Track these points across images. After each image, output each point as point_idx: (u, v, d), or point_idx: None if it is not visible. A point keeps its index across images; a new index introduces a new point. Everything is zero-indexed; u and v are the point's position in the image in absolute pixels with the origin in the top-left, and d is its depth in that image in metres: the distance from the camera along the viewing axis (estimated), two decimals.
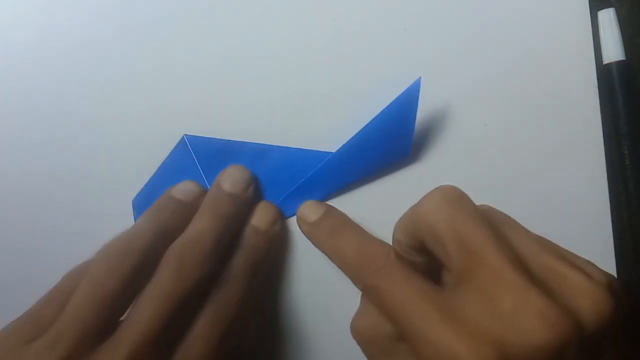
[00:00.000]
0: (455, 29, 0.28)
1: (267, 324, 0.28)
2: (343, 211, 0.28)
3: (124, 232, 0.24)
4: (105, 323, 0.21)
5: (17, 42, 0.28)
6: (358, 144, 0.26)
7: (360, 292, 0.24)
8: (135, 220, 0.27)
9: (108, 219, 0.27)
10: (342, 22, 0.28)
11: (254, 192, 0.27)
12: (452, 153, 0.27)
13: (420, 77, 0.26)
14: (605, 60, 0.28)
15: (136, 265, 0.22)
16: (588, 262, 0.21)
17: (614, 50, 0.28)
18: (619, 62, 0.28)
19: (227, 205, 0.25)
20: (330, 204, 0.27)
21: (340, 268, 0.25)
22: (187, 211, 0.25)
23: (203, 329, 0.23)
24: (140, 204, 0.27)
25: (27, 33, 0.28)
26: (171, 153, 0.27)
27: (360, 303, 0.24)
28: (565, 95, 0.28)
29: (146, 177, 0.27)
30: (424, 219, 0.20)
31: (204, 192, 0.26)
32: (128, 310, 0.22)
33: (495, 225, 0.20)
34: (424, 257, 0.22)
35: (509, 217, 0.22)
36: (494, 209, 0.22)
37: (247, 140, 0.27)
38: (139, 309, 0.22)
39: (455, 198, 0.20)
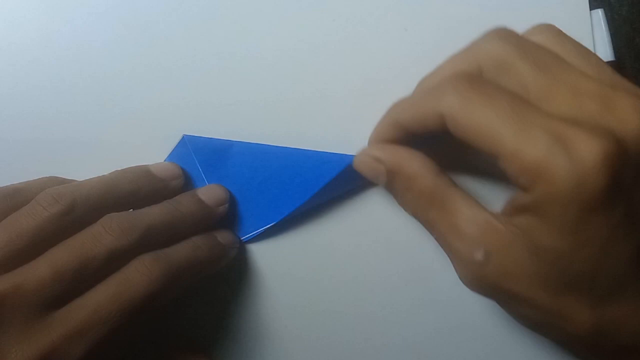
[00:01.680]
0: (455, 28, 0.28)
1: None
2: (341, 212, 0.28)
3: (79, 181, 0.24)
4: (15, 256, 0.21)
5: (16, 42, 0.28)
6: None
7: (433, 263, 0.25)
8: None
9: None
10: (342, 22, 0.28)
11: (225, 211, 0.27)
12: (452, 153, 0.27)
13: None
14: None
15: (59, 215, 0.22)
16: None
17: (601, 51, 0.28)
18: (608, 63, 0.28)
19: (194, 211, 0.25)
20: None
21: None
22: (151, 185, 0.25)
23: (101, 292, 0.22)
24: None
25: (26, 33, 0.28)
26: (171, 153, 0.27)
27: (391, 190, 0.24)
28: None
29: None
30: (490, 52, 0.21)
31: (181, 174, 0.26)
32: None
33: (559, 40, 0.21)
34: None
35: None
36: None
37: (247, 141, 0.27)
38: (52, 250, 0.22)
39: (503, 31, 0.21)
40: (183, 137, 0.27)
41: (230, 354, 0.28)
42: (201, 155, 0.27)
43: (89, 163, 0.28)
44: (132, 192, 0.24)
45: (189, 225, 0.25)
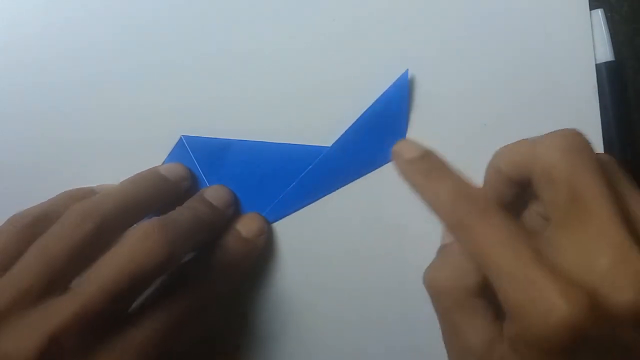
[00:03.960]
0: (455, 28, 0.28)
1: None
2: (339, 207, 0.28)
3: (99, 194, 0.23)
4: (50, 282, 0.21)
5: (16, 42, 0.28)
6: (352, 137, 0.27)
7: (436, 250, 0.24)
8: None
9: None
10: (341, 20, 0.28)
11: (234, 212, 0.27)
12: (452, 154, 0.27)
13: (407, 70, 0.26)
14: (596, 61, 0.28)
15: (90, 234, 0.22)
16: None
17: (601, 51, 0.28)
18: (607, 63, 0.28)
19: (208, 214, 0.25)
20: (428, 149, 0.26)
21: (432, 207, 0.23)
22: (167, 189, 0.25)
23: (154, 316, 0.22)
24: None
25: (25, 33, 0.28)
26: (170, 154, 0.27)
27: (437, 256, 0.24)
28: (565, 95, 0.28)
29: None
30: (541, 159, 0.21)
31: (189, 175, 0.27)
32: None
33: (612, 180, 0.20)
34: (515, 190, 0.22)
35: (627, 175, 0.22)
36: (614, 162, 0.22)
37: (245, 138, 0.27)
38: (89, 276, 0.21)
39: (577, 145, 0.20)
40: (181, 137, 0.27)
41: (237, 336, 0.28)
42: (200, 155, 0.27)
43: (89, 163, 0.28)
44: (151, 199, 0.24)
45: (207, 231, 0.25)
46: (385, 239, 0.28)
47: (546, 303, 0.18)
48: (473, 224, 0.21)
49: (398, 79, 0.26)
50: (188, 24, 0.28)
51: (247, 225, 0.26)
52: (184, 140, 0.27)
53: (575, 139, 0.21)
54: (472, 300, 0.22)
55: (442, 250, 0.24)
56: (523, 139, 0.22)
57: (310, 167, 0.27)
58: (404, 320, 0.28)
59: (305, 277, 0.28)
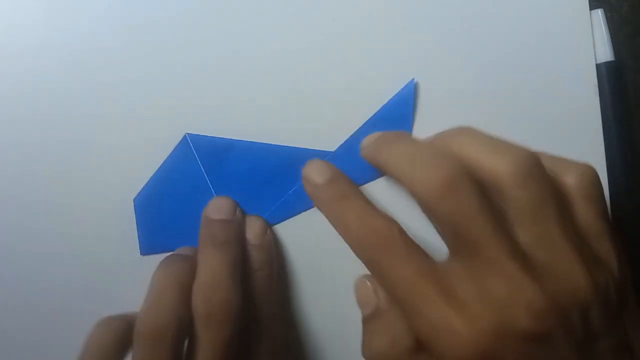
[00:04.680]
0: (455, 28, 0.28)
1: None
2: None
3: (146, 305, 0.24)
4: None
5: (17, 44, 0.28)
6: (356, 143, 0.27)
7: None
8: (136, 220, 0.27)
9: (109, 218, 0.27)
10: (342, 21, 0.28)
11: (242, 214, 0.27)
12: None
13: (413, 80, 0.26)
14: (596, 61, 0.28)
15: (174, 344, 0.22)
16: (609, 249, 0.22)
17: (601, 51, 0.28)
18: (607, 63, 0.28)
19: (222, 231, 0.25)
20: (337, 168, 0.26)
21: (341, 235, 0.24)
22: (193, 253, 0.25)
23: None
24: (142, 203, 0.27)
25: (27, 35, 0.28)
26: (173, 152, 0.27)
27: (365, 329, 0.23)
28: (565, 94, 0.28)
29: (148, 176, 0.27)
30: (420, 194, 0.20)
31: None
32: None
33: (497, 209, 0.20)
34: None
35: (520, 192, 0.21)
36: (505, 178, 0.21)
37: (249, 139, 0.27)
38: None
39: (455, 180, 0.20)
40: (185, 135, 0.27)
41: None
42: (203, 153, 0.27)
43: (90, 162, 0.27)
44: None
45: (235, 246, 0.25)
46: None
47: (452, 333, 0.19)
48: (379, 259, 0.21)
49: (404, 88, 0.27)
50: (194, 23, 0.28)
51: (251, 231, 0.26)
52: (188, 138, 0.27)
53: (452, 173, 0.20)
54: (417, 357, 0.21)
55: (368, 320, 0.23)
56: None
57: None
58: None
59: (305, 280, 0.28)
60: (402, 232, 0.22)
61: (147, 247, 0.27)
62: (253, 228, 0.26)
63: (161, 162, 0.27)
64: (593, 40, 0.28)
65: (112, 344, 0.23)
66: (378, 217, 0.23)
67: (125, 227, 0.27)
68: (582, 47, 0.28)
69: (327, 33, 0.28)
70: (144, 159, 0.27)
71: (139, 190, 0.27)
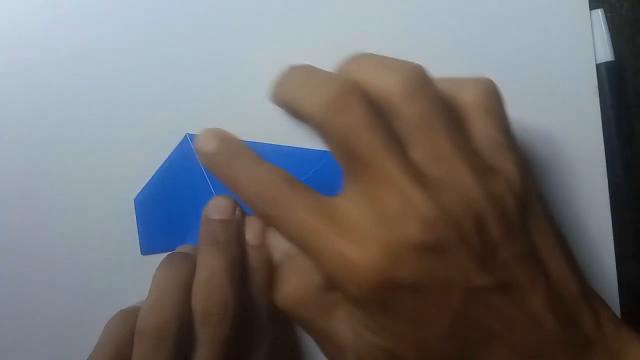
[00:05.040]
0: (455, 28, 0.28)
1: None
2: None
3: (147, 304, 0.23)
4: None
5: (17, 42, 0.28)
6: None
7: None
8: (137, 220, 0.27)
9: (109, 218, 0.27)
10: (343, 20, 0.28)
11: (242, 214, 0.26)
12: None
13: None
14: (596, 61, 0.28)
15: (174, 344, 0.23)
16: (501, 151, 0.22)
17: (601, 51, 0.28)
18: (607, 63, 0.28)
19: (222, 230, 0.25)
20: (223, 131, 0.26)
21: (240, 198, 0.24)
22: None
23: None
24: (142, 202, 0.27)
25: (27, 33, 0.28)
26: (173, 152, 0.27)
27: (275, 276, 0.24)
28: (565, 94, 0.28)
29: (148, 176, 0.27)
30: (309, 114, 0.21)
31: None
32: None
33: (390, 127, 0.20)
34: None
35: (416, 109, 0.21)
36: (399, 95, 0.21)
37: (249, 139, 0.27)
38: None
39: (344, 100, 0.20)
40: (185, 135, 0.27)
41: None
42: None
43: (91, 162, 0.27)
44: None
45: (235, 246, 0.25)
46: None
47: (347, 264, 0.19)
48: (274, 214, 0.22)
49: None
50: (195, 22, 0.28)
51: (251, 230, 0.26)
52: (188, 138, 0.27)
53: (340, 86, 0.20)
54: (329, 296, 0.21)
55: (277, 267, 0.24)
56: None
57: (313, 170, 0.27)
58: None
59: None
60: (286, 178, 0.22)
61: (148, 246, 0.27)
62: (252, 228, 0.26)
63: (161, 162, 0.27)
64: (593, 40, 0.28)
65: (127, 338, 0.23)
66: (262, 169, 0.23)
67: (126, 227, 0.27)
68: (582, 47, 0.28)
69: (328, 33, 0.28)
70: (144, 159, 0.27)
71: (139, 190, 0.27)
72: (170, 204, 0.27)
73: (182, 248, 0.27)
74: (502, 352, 0.20)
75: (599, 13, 0.28)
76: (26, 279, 0.27)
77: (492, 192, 0.20)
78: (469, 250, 0.19)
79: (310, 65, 0.23)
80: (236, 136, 0.26)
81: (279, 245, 0.23)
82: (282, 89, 0.24)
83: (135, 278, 0.26)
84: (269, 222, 0.23)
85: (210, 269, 0.24)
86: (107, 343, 0.24)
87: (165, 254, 0.26)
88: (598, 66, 0.28)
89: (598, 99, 0.28)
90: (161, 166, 0.27)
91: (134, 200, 0.27)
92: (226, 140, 0.25)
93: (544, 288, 0.20)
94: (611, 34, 0.28)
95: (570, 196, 0.28)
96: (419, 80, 0.20)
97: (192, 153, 0.27)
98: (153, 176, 0.27)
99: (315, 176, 0.27)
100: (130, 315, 0.24)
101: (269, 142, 0.27)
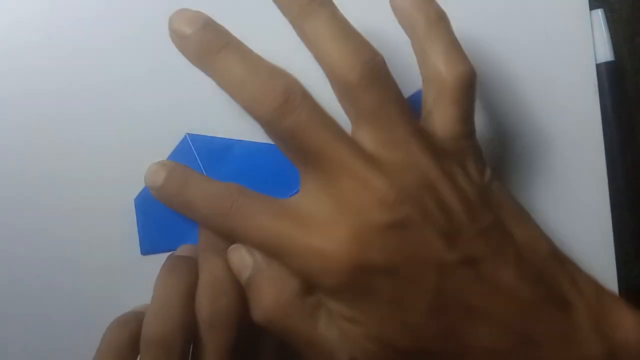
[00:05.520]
0: (455, 29, 0.28)
1: None
2: None
3: (151, 313, 0.23)
4: None
5: (17, 44, 0.28)
6: None
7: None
8: (137, 220, 0.27)
9: (110, 218, 0.27)
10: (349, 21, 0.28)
11: None
12: None
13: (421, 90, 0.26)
14: (596, 61, 0.28)
15: (180, 353, 0.22)
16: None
17: (602, 51, 0.28)
18: (607, 63, 0.28)
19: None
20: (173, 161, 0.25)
21: (199, 222, 0.24)
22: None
23: None
24: (143, 203, 0.27)
25: (27, 34, 0.28)
26: (173, 152, 0.27)
27: (249, 290, 0.23)
28: (565, 94, 0.28)
29: None
30: (258, 117, 0.21)
31: None
32: None
33: (346, 107, 0.21)
34: None
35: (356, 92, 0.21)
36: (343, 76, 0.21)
37: (249, 139, 0.27)
38: None
39: (290, 95, 0.20)
40: (185, 135, 0.27)
41: None
42: (203, 153, 0.27)
43: (91, 162, 0.27)
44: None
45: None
46: None
47: (318, 257, 0.20)
48: (232, 226, 0.22)
49: (413, 95, 0.26)
50: None
51: None
52: (188, 138, 0.27)
53: (284, 88, 0.20)
54: (307, 299, 0.21)
55: (250, 281, 0.22)
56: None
57: None
58: None
59: None
60: (239, 190, 0.22)
61: (148, 247, 0.27)
62: None
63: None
64: (593, 40, 0.28)
65: (128, 344, 0.23)
66: (213, 186, 0.23)
67: (126, 227, 0.27)
68: (582, 47, 0.28)
69: None
70: (144, 159, 0.27)
71: (139, 190, 0.27)
72: None
73: (182, 248, 0.27)
74: (485, 327, 0.20)
75: (599, 13, 0.28)
76: (26, 279, 0.27)
77: (448, 171, 0.21)
78: (433, 227, 0.20)
79: (235, 42, 0.22)
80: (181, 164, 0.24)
81: (244, 262, 0.22)
82: (219, 75, 0.22)
83: (135, 278, 0.26)
84: (230, 236, 0.22)
85: (213, 274, 0.24)
86: (107, 350, 0.23)
87: (165, 255, 0.26)
88: (598, 66, 0.28)
89: (598, 99, 0.28)
90: None
91: (134, 200, 0.27)
92: (172, 168, 0.24)
93: (513, 257, 0.21)
94: (611, 34, 0.28)
95: (570, 196, 0.28)
96: (375, 66, 0.21)
97: (191, 153, 0.27)
98: None
99: None
100: (131, 321, 0.24)
101: (269, 142, 0.27)
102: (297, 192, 0.22)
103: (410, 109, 0.21)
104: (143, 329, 0.23)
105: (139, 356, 0.23)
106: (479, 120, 0.28)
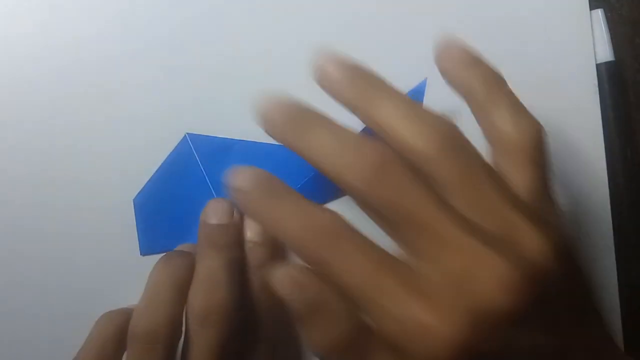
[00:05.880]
0: (455, 28, 0.28)
1: None
2: (342, 214, 0.28)
3: (140, 306, 0.23)
4: None
5: (16, 43, 0.28)
6: None
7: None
8: (136, 220, 0.27)
9: (109, 218, 0.27)
10: (345, 20, 0.28)
11: (240, 217, 0.26)
12: None
13: (426, 79, 0.26)
14: (596, 61, 0.28)
15: (167, 347, 0.22)
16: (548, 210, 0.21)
17: (602, 51, 0.28)
18: (607, 63, 0.28)
19: (220, 235, 0.25)
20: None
21: (281, 240, 0.21)
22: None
23: None
24: (142, 202, 0.27)
25: (27, 33, 0.28)
26: (173, 151, 0.27)
27: (309, 321, 0.20)
28: (565, 94, 0.28)
29: (148, 176, 0.27)
30: (351, 186, 0.19)
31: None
32: None
33: (432, 182, 0.19)
34: None
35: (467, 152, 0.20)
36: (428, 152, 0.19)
37: (249, 139, 0.27)
38: None
39: (385, 165, 0.19)
40: (185, 135, 0.27)
41: None
42: (203, 153, 0.27)
43: (90, 162, 0.27)
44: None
45: (234, 249, 0.25)
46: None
47: (425, 331, 0.18)
48: (328, 259, 0.19)
49: (415, 87, 0.26)
50: (195, 22, 0.28)
51: (252, 229, 0.26)
52: (188, 138, 0.27)
53: (379, 157, 0.19)
54: (363, 341, 0.19)
55: (311, 313, 0.20)
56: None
57: (314, 173, 0.27)
58: None
59: None
60: (347, 225, 0.20)
61: (147, 247, 0.27)
62: (252, 226, 0.26)
63: (161, 161, 0.27)
64: (593, 40, 0.28)
65: (112, 337, 0.23)
66: (317, 211, 0.20)
67: (125, 227, 0.27)
68: (582, 47, 0.28)
69: (332, 32, 0.28)
70: (144, 159, 0.27)
71: (139, 190, 0.27)
72: (169, 204, 0.27)
73: (181, 247, 0.27)
74: None
75: (599, 13, 0.28)
76: (26, 279, 0.27)
77: (554, 242, 0.19)
78: (540, 314, 0.18)
79: (317, 114, 0.22)
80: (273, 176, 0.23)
81: (309, 290, 0.20)
82: (301, 144, 0.21)
83: (134, 278, 0.26)
84: (319, 268, 0.20)
85: (209, 270, 0.24)
86: (92, 342, 0.24)
87: None
88: (598, 66, 0.28)
89: (598, 98, 0.28)
90: (160, 166, 0.27)
91: (134, 200, 0.27)
92: (265, 178, 0.22)
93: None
94: (611, 34, 0.28)
95: (570, 196, 0.28)
96: (452, 137, 0.20)
97: (191, 153, 0.27)
98: (152, 176, 0.27)
99: (316, 178, 0.27)
100: (118, 315, 0.24)
101: (269, 142, 0.27)
102: None
103: (497, 173, 0.20)
104: (131, 321, 0.23)
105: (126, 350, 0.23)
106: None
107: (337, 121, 0.21)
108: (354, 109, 0.21)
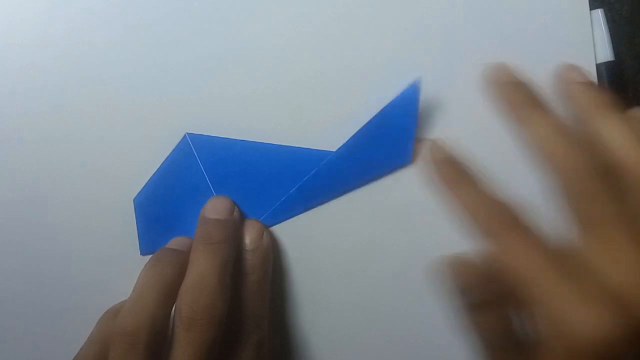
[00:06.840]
0: (455, 28, 0.28)
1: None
2: (343, 213, 0.28)
3: (125, 306, 0.23)
4: None
5: (17, 42, 0.28)
6: (357, 143, 0.26)
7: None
8: (136, 220, 0.27)
9: (109, 218, 0.27)
10: (343, 20, 0.28)
11: (240, 215, 0.27)
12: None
13: (419, 80, 0.26)
14: (597, 61, 0.28)
15: (147, 348, 0.22)
16: None
17: (602, 51, 0.28)
18: (607, 63, 0.28)
19: (217, 230, 0.25)
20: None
21: (461, 217, 0.24)
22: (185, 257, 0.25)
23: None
24: (142, 202, 0.27)
25: (27, 32, 0.28)
26: (173, 151, 0.27)
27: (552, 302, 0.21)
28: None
29: (148, 176, 0.27)
30: (565, 177, 0.22)
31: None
32: None
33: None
34: None
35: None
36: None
37: (250, 139, 0.27)
38: None
39: (596, 172, 0.21)
40: (185, 135, 0.27)
41: None
42: (203, 153, 0.27)
43: (91, 161, 0.27)
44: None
45: (230, 248, 0.25)
46: (384, 248, 0.28)
47: (577, 324, 0.19)
48: (504, 249, 0.21)
49: (409, 87, 0.26)
50: (195, 21, 0.28)
51: (248, 234, 0.26)
52: (188, 138, 0.27)
53: (596, 164, 0.22)
54: None
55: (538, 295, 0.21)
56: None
57: (314, 171, 0.27)
58: (403, 326, 0.28)
59: (302, 281, 0.28)
60: (520, 218, 0.22)
61: (147, 247, 0.27)
62: (250, 232, 0.26)
63: (161, 161, 0.27)
64: (593, 40, 0.28)
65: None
66: (499, 199, 0.23)
67: (125, 227, 0.27)
68: (582, 47, 0.28)
69: (329, 32, 0.28)
70: (144, 159, 0.27)
71: (139, 190, 0.27)
72: (169, 204, 0.27)
73: (178, 239, 0.27)
74: None
75: (599, 13, 0.28)
76: (26, 278, 0.27)
77: None
78: None
79: (545, 107, 0.25)
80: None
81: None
82: (528, 129, 0.24)
83: (135, 278, 0.26)
84: (492, 247, 0.22)
85: (200, 271, 0.24)
86: (93, 340, 0.24)
87: None
88: (598, 66, 0.28)
89: None
90: (161, 166, 0.27)
91: (134, 200, 0.27)
92: (455, 157, 0.26)
93: None
94: (611, 34, 0.28)
95: None
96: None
97: (191, 153, 0.27)
98: (152, 176, 0.27)
99: (316, 176, 0.27)
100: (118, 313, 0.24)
101: (269, 142, 0.27)
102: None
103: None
104: (116, 320, 0.23)
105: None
106: (478, 120, 0.28)
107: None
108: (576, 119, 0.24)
